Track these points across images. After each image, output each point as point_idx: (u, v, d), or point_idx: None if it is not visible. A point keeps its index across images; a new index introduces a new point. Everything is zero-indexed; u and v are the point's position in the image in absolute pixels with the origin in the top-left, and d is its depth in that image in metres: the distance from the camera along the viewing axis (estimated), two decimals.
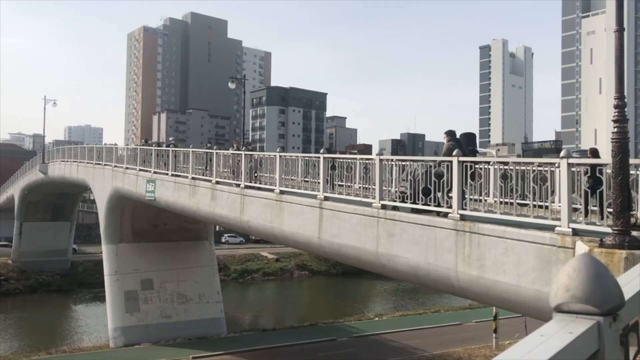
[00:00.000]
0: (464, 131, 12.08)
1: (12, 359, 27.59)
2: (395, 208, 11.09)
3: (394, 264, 10.91)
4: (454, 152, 9.80)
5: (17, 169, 66.06)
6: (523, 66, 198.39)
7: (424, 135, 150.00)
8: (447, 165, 9.89)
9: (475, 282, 9.18)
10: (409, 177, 10.82)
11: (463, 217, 9.45)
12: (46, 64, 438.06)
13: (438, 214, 10.07)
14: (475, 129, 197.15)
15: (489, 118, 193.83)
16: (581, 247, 7.38)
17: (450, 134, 11.63)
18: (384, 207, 11.16)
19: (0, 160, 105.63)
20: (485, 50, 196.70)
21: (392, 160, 11.74)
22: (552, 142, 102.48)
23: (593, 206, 8.14)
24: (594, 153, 10.16)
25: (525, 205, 8.78)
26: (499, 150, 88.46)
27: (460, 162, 9.62)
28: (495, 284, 8.81)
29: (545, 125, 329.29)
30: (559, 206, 8.23)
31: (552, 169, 8.63)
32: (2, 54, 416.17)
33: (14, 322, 41.11)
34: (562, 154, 8.13)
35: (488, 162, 9.95)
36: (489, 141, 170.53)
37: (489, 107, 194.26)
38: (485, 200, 9.48)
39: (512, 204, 8.91)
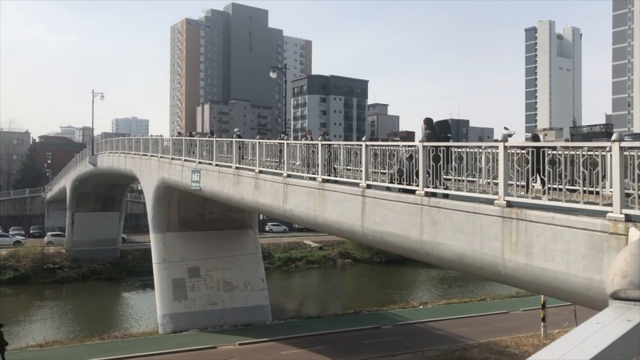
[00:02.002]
0: (439, 119, 12.99)
1: (68, 343, 28.71)
2: (433, 194, 10.99)
3: (439, 252, 10.80)
4: (501, 138, 9.61)
5: (68, 161, 68.29)
6: (571, 48, 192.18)
7: (468, 121, 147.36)
8: (493, 152, 9.70)
9: (522, 270, 9.00)
10: (453, 163, 10.67)
11: (510, 204, 9.26)
12: (93, 58, 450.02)
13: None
14: (521, 113, 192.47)
15: (536, 102, 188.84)
16: (635, 233, 7.12)
17: (427, 122, 12.44)
18: (427, 194, 11.04)
19: (52, 153, 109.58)
20: (531, 33, 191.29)
21: (436, 147, 11.58)
22: (602, 125, 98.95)
23: None
24: None
25: (575, 191, 8.52)
26: (546, 135, 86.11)
27: (506, 148, 9.41)
28: (543, 271, 8.61)
29: (594, 109, 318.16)
30: (611, 191, 7.95)
31: (603, 153, 8.33)
32: (53, 50, 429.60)
33: (69, 309, 42.75)
34: (613, 137, 7.83)
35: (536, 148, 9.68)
36: (536, 126, 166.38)
37: (535, 90, 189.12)
38: (533, 186, 9.26)
39: (560, 189, 8.66)
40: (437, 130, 12.40)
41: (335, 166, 15.13)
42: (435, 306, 36.98)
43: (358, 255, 64.14)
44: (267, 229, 77.65)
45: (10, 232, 70.68)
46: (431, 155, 10.92)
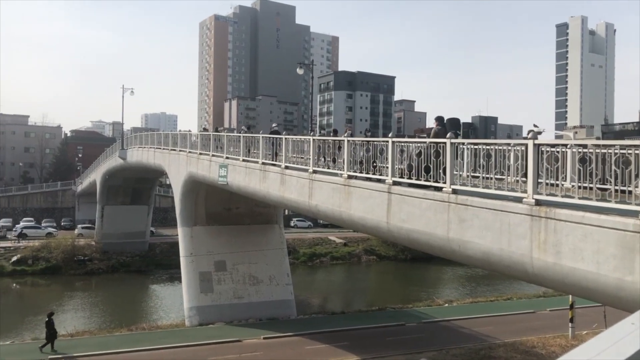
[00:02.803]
0: (450, 117, 13.40)
1: (97, 334, 29.32)
2: (455, 192, 10.94)
3: (465, 250, 10.73)
4: (531, 135, 9.50)
5: (98, 155, 69.57)
6: (604, 44, 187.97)
7: (496, 118, 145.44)
8: (521, 149, 9.60)
9: (551, 269, 8.89)
10: (481, 160, 10.59)
11: (538, 202, 9.15)
12: (124, 54, 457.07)
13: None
14: (551, 111, 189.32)
15: (566, 99, 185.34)
16: None
17: (439, 119, 12.82)
18: (454, 191, 10.98)
19: (83, 147, 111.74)
20: (562, 28, 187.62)
21: (464, 143, 11.49)
22: (636, 123, 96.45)
23: None
24: None
25: (606, 190, 8.38)
26: (576, 132, 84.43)
27: (535, 146, 9.30)
28: (572, 271, 8.50)
29: (627, 107, 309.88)
30: None
31: (636, 151, 8.17)
32: (84, 46, 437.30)
33: (99, 300, 43.64)
34: None
35: (565, 145, 9.54)
36: (566, 123, 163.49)
37: (566, 87, 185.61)
38: (562, 185, 9.13)
39: (591, 188, 8.53)
40: (448, 127, 12.67)
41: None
42: (460, 304, 36.72)
43: (383, 252, 63.99)
44: (292, 224, 77.99)
45: (42, 224, 72.38)
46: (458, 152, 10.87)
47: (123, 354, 24.36)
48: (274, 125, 23.13)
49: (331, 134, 20.12)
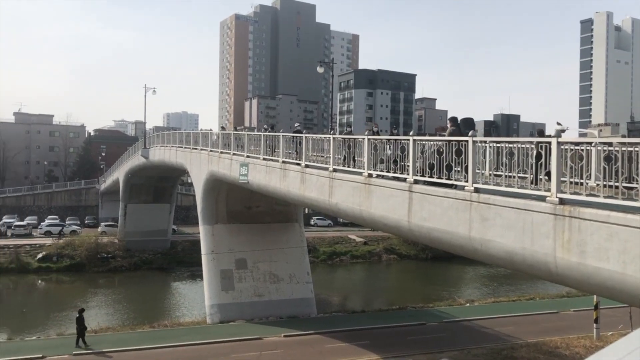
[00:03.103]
0: (465, 116, 13.71)
1: (120, 330, 29.71)
2: (477, 190, 10.85)
3: (488, 249, 10.63)
4: (554, 133, 9.36)
5: (121, 154, 70.49)
6: (630, 40, 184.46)
7: (518, 116, 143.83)
8: (545, 147, 9.48)
9: (575, 269, 8.77)
10: (503, 159, 10.49)
11: (562, 201, 9.03)
12: (146, 54, 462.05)
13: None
14: (574, 108, 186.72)
15: (590, 97, 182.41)
16: None
17: (453, 120, 13.13)
18: (477, 190, 10.88)
19: (106, 146, 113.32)
20: (587, 25, 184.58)
21: (486, 142, 11.39)
22: None
23: None
24: None
25: (632, 189, 8.23)
26: (601, 130, 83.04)
27: (559, 144, 9.17)
28: (597, 271, 8.36)
29: None
30: None
31: None
32: (107, 46, 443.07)
33: (121, 297, 44.22)
34: None
35: (590, 143, 9.39)
36: (590, 121, 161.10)
37: (591, 85, 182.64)
38: (587, 184, 8.99)
39: (617, 187, 8.38)
40: (462, 127, 12.80)
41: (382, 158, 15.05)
42: (482, 304, 36.41)
43: (404, 251, 63.73)
44: (312, 222, 78.10)
45: (66, 222, 73.59)
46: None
47: (145, 351, 24.65)
48: (296, 125, 23.17)
49: (351, 133, 20.02)
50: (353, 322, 29.91)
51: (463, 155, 11.31)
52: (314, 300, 32.68)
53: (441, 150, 12.14)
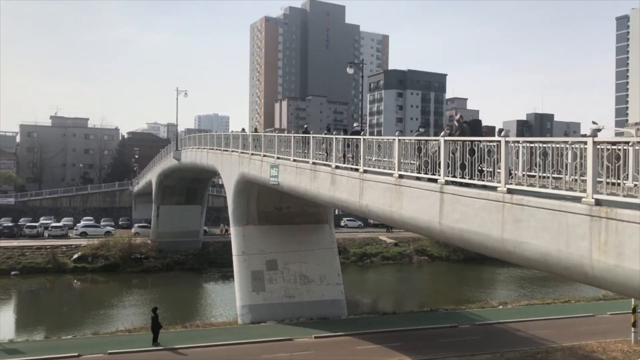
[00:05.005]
0: (473, 118, 14.58)
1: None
2: (510, 191, 10.69)
3: (521, 251, 10.46)
4: (590, 133, 9.17)
5: (153, 156, 71.55)
6: None
7: (552, 115, 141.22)
8: (581, 148, 9.28)
9: (612, 272, 8.56)
10: (537, 159, 10.31)
11: (598, 202, 8.83)
12: (178, 57, 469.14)
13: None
14: (610, 107, 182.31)
15: (627, 95, 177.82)
16: None
17: (458, 122, 13.87)
18: (510, 191, 10.72)
19: (139, 148, 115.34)
20: (622, 21, 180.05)
21: (518, 142, 11.21)
22: None
23: None
24: None
25: None
26: (638, 129, 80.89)
27: (595, 143, 8.98)
28: (635, 273, 8.16)
29: None
30: None
31: None
32: (142, 50, 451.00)
33: (154, 297, 44.83)
34: None
35: (627, 143, 9.15)
36: (627, 120, 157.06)
37: (627, 82, 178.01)
38: (624, 184, 8.77)
39: None
40: (469, 129, 13.28)
41: (412, 162, 14.95)
42: (515, 307, 35.80)
43: (435, 253, 63.15)
44: (342, 224, 78.02)
45: (101, 223, 75.12)
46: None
47: (178, 350, 24.97)
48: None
49: (360, 133, 19.53)
50: (384, 324, 29.76)
51: (495, 156, 11.16)
52: (345, 302, 32.62)
53: (473, 150, 11.98)
